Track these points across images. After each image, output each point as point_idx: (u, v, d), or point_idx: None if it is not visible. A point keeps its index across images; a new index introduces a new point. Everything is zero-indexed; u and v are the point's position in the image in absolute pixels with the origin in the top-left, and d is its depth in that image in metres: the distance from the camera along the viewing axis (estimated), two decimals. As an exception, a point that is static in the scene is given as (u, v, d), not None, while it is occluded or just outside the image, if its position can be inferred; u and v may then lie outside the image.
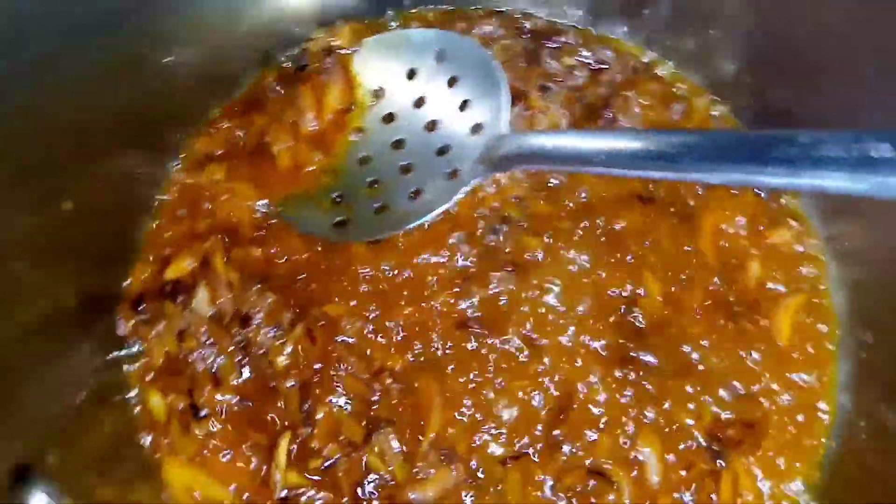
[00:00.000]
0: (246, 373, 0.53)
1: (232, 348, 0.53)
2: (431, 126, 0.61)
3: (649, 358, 0.55)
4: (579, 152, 0.50)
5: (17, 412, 0.37)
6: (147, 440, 0.51)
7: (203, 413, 0.52)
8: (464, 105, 0.60)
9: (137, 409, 0.52)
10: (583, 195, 0.60)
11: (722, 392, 0.54)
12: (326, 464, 0.51)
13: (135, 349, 0.53)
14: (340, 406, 0.53)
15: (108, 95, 0.51)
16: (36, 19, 0.43)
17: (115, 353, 0.52)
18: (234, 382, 0.53)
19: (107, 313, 0.53)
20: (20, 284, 0.42)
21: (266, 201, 0.59)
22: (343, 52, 0.64)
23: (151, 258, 0.57)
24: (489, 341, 0.55)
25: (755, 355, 0.55)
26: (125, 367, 0.53)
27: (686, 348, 0.55)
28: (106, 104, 0.51)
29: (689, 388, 0.54)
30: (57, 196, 0.46)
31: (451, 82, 0.61)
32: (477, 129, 0.59)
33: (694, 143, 0.43)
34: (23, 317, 0.41)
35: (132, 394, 0.52)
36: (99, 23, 0.48)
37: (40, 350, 0.43)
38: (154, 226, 0.58)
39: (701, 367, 0.55)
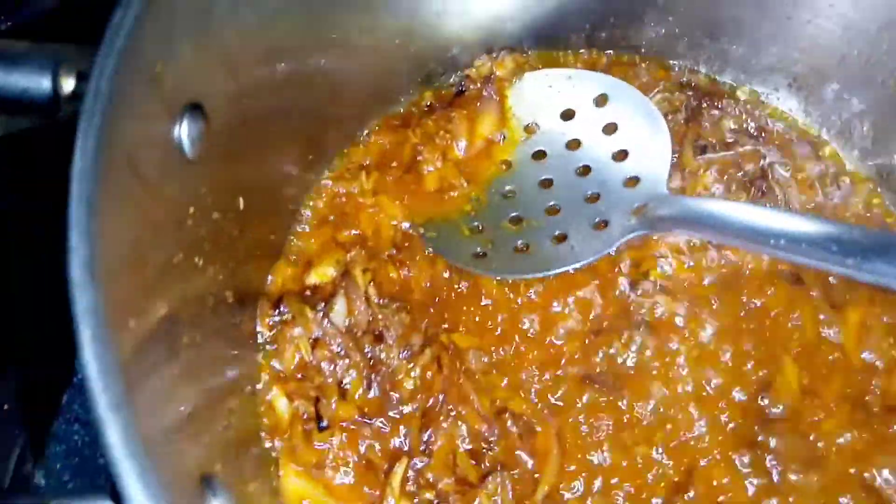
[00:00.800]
0: (372, 391, 0.53)
1: (362, 364, 0.53)
2: (583, 171, 0.60)
3: (778, 446, 0.53)
4: (754, 229, 0.49)
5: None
6: (269, 443, 0.52)
7: (324, 424, 0.52)
8: (621, 155, 0.60)
9: (263, 407, 0.53)
10: (727, 263, 0.58)
11: (850, 494, 0.52)
12: (438, 499, 0.51)
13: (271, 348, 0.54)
14: (460, 440, 0.53)
15: (280, 95, 0.51)
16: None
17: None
18: (359, 398, 0.53)
19: (250, 309, 0.53)
20: (198, 274, 0.43)
21: (409, 223, 0.59)
22: (503, 82, 0.63)
23: (295, 260, 0.57)
24: (613, 400, 0.54)
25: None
26: (259, 360, 0.53)
27: (819, 443, 0.53)
28: (276, 106, 0.51)
29: (815, 483, 0.52)
30: (234, 194, 0.47)
31: (610, 129, 0.61)
32: (632, 182, 0.58)
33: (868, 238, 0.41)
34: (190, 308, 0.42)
35: (259, 386, 0.53)
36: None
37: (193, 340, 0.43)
38: (300, 229, 0.58)
39: (831, 464, 0.53)
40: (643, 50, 0.66)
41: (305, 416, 0.52)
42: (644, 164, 0.58)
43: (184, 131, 0.38)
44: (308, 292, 0.56)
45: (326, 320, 0.53)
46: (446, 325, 0.56)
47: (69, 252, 0.27)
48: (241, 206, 0.49)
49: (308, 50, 0.52)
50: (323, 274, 0.56)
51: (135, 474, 0.26)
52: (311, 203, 0.59)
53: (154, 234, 0.36)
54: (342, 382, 0.53)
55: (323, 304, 0.54)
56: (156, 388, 0.33)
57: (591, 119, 0.61)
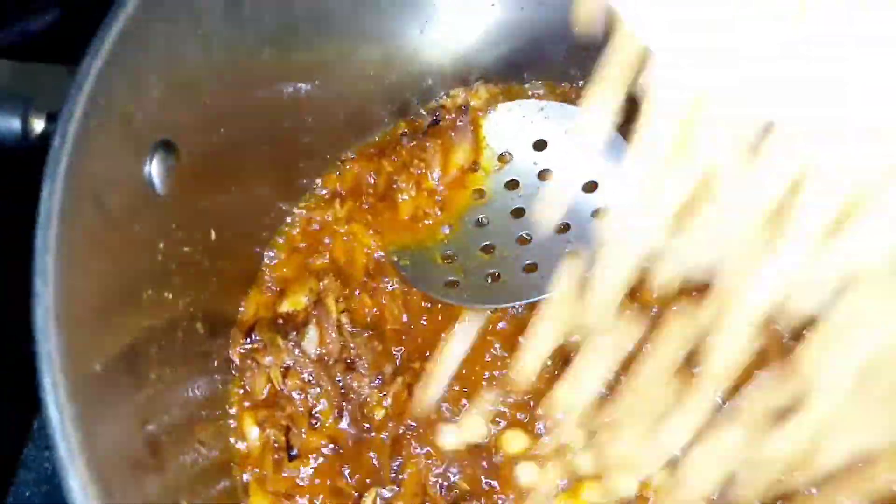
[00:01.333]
0: (344, 420, 0.53)
1: (332, 393, 0.54)
2: (554, 201, 0.61)
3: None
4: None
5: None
6: (239, 473, 0.52)
7: (295, 452, 0.53)
8: (591, 186, 0.61)
9: (233, 438, 0.53)
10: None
11: None
12: (408, 528, 0.51)
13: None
14: (429, 469, 0.53)
15: (253, 125, 0.52)
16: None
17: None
18: (330, 427, 0.53)
19: (222, 339, 0.54)
20: (168, 308, 0.43)
21: (382, 251, 0.60)
22: (477, 112, 0.64)
23: (267, 288, 0.58)
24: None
25: None
26: (230, 388, 0.54)
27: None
28: (248, 136, 0.52)
29: None
30: (206, 226, 0.48)
31: (580, 161, 0.62)
32: (598, 213, 0.59)
33: None
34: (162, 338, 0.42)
35: (232, 412, 0.53)
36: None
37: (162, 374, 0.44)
38: (273, 258, 0.59)
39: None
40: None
41: (276, 445, 0.53)
42: (612, 195, 0.59)
43: (154, 168, 0.39)
44: (280, 320, 0.56)
45: (298, 349, 0.53)
46: (420, 354, 0.57)
47: (33, 298, 0.28)
48: (213, 237, 0.50)
49: (282, 81, 0.52)
50: (296, 302, 0.57)
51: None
52: (284, 231, 0.60)
53: (122, 273, 0.37)
54: (313, 411, 0.53)
55: (295, 333, 0.55)
56: (121, 427, 0.34)
57: (563, 150, 0.63)
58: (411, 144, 0.63)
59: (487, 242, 0.60)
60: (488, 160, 0.64)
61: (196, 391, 0.49)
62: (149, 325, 0.41)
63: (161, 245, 0.41)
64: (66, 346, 0.28)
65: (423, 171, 0.62)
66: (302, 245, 0.60)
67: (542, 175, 0.62)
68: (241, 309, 0.56)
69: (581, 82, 0.67)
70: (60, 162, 0.30)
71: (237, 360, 0.54)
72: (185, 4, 0.38)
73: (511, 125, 0.64)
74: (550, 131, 0.63)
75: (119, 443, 0.33)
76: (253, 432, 0.53)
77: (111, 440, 0.31)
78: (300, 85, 0.54)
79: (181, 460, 0.43)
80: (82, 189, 0.32)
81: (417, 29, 0.60)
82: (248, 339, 0.55)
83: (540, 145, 0.63)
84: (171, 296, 0.44)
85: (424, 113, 0.65)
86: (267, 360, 0.53)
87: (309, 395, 0.53)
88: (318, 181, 0.61)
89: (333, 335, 0.55)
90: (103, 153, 0.34)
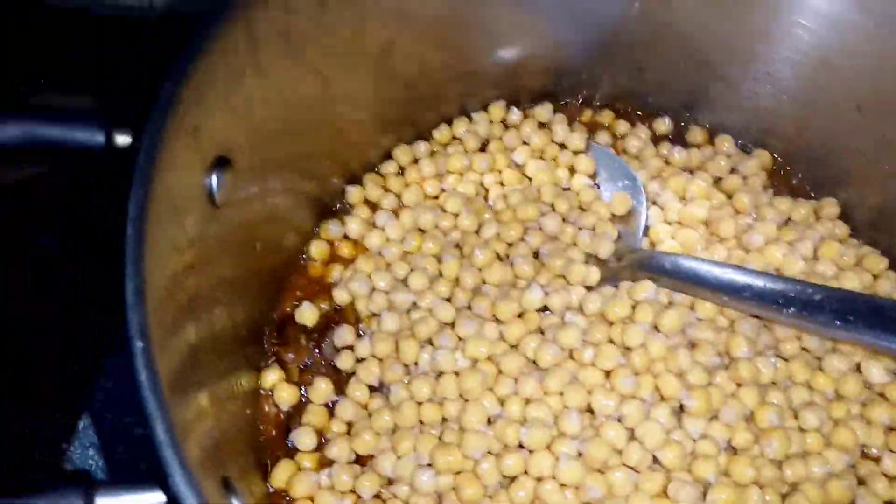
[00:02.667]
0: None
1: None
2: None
3: None
4: (710, 281, 0.55)
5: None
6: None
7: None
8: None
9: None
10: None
11: None
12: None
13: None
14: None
15: (293, 144, 0.57)
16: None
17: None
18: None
19: (257, 336, 0.59)
20: (218, 307, 0.48)
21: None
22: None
23: (305, 288, 0.63)
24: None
25: None
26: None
27: None
28: (292, 152, 0.57)
29: None
30: (252, 237, 0.53)
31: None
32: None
33: (833, 300, 0.47)
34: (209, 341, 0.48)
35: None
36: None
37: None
38: (306, 265, 0.64)
39: None
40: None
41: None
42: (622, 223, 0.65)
43: (214, 180, 0.45)
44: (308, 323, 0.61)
45: (318, 350, 0.59)
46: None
47: (125, 280, 0.33)
48: (258, 247, 0.55)
49: (322, 104, 0.58)
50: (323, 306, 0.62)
51: (180, 468, 0.32)
52: (316, 241, 0.65)
53: (187, 270, 0.42)
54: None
55: (317, 335, 0.60)
56: (186, 398, 0.39)
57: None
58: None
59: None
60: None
61: (237, 376, 0.55)
62: (206, 318, 0.46)
63: (216, 250, 0.47)
64: (150, 320, 0.33)
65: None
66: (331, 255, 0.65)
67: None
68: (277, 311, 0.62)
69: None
70: (145, 170, 0.36)
71: (269, 356, 0.59)
72: (245, 39, 0.44)
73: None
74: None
75: (186, 410, 0.38)
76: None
77: (181, 407, 0.36)
78: (336, 107, 0.60)
79: (227, 435, 0.48)
80: (159, 196, 0.37)
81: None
82: (278, 338, 0.60)
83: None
84: (221, 295, 0.49)
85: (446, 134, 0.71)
86: (289, 356, 0.58)
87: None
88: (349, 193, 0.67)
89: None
90: (176, 165, 0.39)
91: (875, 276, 0.64)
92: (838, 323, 0.47)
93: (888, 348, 0.45)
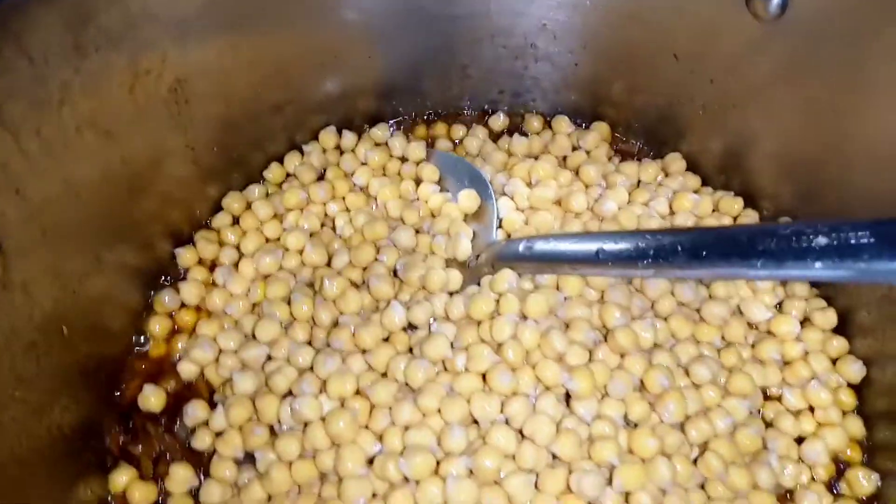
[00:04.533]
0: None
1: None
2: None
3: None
4: (563, 254, 0.52)
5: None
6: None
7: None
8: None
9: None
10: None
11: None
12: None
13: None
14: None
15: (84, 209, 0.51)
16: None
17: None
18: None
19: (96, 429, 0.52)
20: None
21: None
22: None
23: (141, 372, 0.56)
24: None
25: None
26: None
27: None
28: (82, 217, 0.51)
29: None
30: (59, 323, 0.46)
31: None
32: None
33: (684, 240, 0.45)
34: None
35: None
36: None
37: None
38: (142, 344, 0.57)
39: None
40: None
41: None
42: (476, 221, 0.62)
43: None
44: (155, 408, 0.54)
45: (169, 435, 0.52)
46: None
47: None
48: (66, 332, 0.48)
49: (116, 164, 0.52)
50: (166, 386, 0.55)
51: None
52: (152, 311, 0.59)
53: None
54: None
55: (164, 419, 0.53)
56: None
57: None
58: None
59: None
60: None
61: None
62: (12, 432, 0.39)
63: (6, 346, 0.40)
64: None
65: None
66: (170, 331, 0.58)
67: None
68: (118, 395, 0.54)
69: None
70: None
71: (114, 449, 0.52)
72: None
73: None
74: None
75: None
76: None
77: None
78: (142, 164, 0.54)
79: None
80: None
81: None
82: (123, 428, 0.52)
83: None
84: (27, 393, 0.42)
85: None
86: (139, 447, 0.51)
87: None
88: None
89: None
90: None
91: (735, 217, 0.64)
92: (695, 262, 0.45)
93: (746, 275, 0.43)
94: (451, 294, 0.56)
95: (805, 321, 0.58)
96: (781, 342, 0.57)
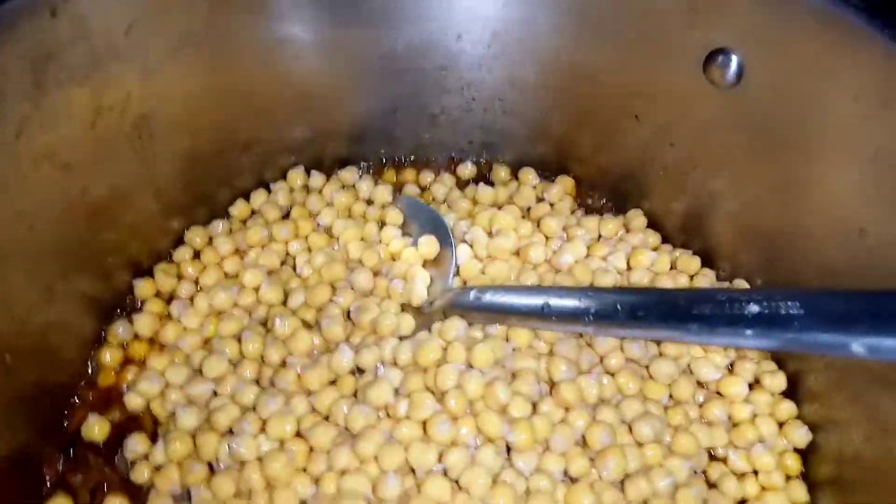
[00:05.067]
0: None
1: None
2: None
3: None
4: (511, 306, 0.53)
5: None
6: None
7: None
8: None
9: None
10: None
11: None
12: None
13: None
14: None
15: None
16: None
17: None
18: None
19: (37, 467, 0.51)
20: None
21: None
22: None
23: (87, 403, 0.56)
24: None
25: None
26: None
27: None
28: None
29: None
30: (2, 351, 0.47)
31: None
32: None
33: (624, 301, 0.45)
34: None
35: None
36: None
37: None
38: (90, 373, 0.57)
39: None
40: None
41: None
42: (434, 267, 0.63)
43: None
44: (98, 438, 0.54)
45: (108, 467, 0.52)
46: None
47: None
48: (8, 360, 0.48)
49: (75, 196, 0.53)
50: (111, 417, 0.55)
51: None
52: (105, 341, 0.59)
53: None
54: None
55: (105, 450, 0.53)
56: None
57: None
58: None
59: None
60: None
61: None
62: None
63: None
64: None
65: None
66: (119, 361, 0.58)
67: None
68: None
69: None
70: None
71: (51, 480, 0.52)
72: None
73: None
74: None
75: None
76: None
77: None
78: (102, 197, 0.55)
79: None
80: None
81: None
82: (63, 458, 0.52)
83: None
84: None
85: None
86: (78, 478, 0.50)
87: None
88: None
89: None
90: None
91: (691, 276, 0.64)
92: (633, 322, 0.45)
93: (682, 338, 0.44)
94: (400, 339, 0.56)
95: (755, 383, 0.59)
96: (730, 403, 0.57)
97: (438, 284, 0.61)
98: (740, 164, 0.60)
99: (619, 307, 0.45)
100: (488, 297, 0.53)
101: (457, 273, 0.62)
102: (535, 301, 0.50)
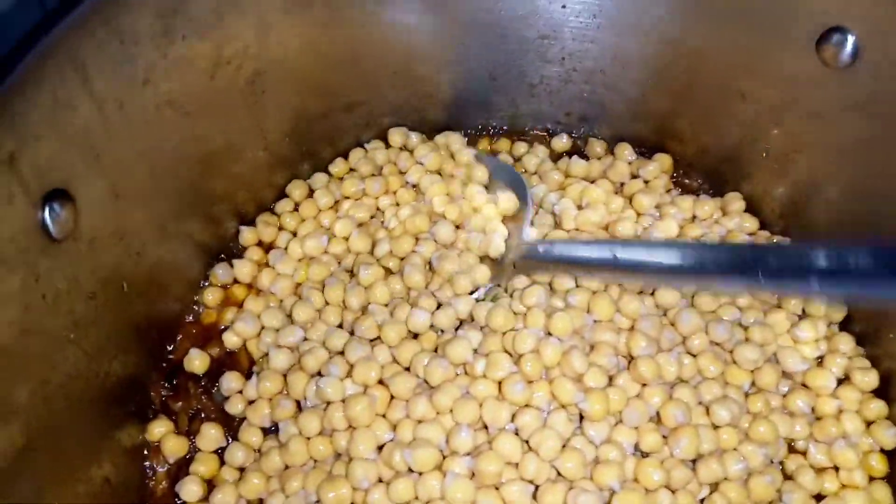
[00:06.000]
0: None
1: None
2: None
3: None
4: (580, 257, 0.54)
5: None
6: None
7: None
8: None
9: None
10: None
11: None
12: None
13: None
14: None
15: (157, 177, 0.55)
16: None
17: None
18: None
19: (140, 382, 0.56)
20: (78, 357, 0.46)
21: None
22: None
23: (193, 334, 0.61)
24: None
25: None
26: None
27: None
28: (156, 185, 0.55)
29: None
30: (115, 275, 0.51)
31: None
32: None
33: (701, 255, 0.46)
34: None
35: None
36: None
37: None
38: (198, 305, 0.62)
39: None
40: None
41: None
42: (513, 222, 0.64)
43: (48, 214, 0.43)
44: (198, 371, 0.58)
45: (207, 397, 0.56)
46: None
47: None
48: (125, 288, 0.53)
49: (190, 141, 0.56)
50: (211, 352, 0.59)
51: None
52: (208, 282, 0.63)
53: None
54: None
55: (205, 381, 0.57)
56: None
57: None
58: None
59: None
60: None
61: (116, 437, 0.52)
62: (62, 370, 0.44)
63: (64, 288, 0.45)
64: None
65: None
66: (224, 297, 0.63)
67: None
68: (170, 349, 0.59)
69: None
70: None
71: (157, 403, 0.56)
72: (71, 67, 0.43)
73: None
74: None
75: None
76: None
77: None
78: (217, 145, 0.59)
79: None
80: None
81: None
82: (166, 384, 0.57)
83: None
84: (81, 340, 0.47)
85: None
86: (179, 404, 0.55)
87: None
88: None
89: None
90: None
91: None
92: (701, 272, 0.47)
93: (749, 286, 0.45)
94: (477, 301, 0.58)
95: (844, 379, 0.57)
96: (816, 395, 0.55)
97: (515, 238, 0.62)
98: (850, 150, 0.58)
99: (687, 259, 0.46)
100: (558, 249, 0.55)
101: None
102: (604, 253, 0.51)
